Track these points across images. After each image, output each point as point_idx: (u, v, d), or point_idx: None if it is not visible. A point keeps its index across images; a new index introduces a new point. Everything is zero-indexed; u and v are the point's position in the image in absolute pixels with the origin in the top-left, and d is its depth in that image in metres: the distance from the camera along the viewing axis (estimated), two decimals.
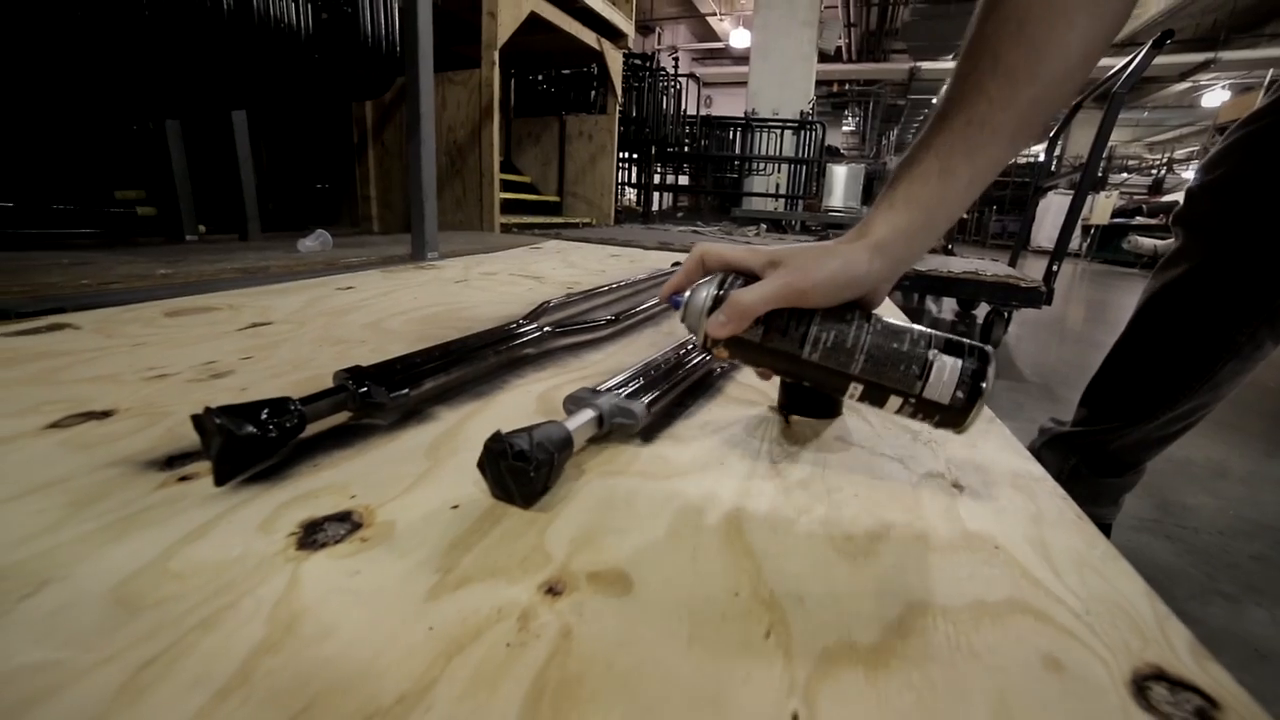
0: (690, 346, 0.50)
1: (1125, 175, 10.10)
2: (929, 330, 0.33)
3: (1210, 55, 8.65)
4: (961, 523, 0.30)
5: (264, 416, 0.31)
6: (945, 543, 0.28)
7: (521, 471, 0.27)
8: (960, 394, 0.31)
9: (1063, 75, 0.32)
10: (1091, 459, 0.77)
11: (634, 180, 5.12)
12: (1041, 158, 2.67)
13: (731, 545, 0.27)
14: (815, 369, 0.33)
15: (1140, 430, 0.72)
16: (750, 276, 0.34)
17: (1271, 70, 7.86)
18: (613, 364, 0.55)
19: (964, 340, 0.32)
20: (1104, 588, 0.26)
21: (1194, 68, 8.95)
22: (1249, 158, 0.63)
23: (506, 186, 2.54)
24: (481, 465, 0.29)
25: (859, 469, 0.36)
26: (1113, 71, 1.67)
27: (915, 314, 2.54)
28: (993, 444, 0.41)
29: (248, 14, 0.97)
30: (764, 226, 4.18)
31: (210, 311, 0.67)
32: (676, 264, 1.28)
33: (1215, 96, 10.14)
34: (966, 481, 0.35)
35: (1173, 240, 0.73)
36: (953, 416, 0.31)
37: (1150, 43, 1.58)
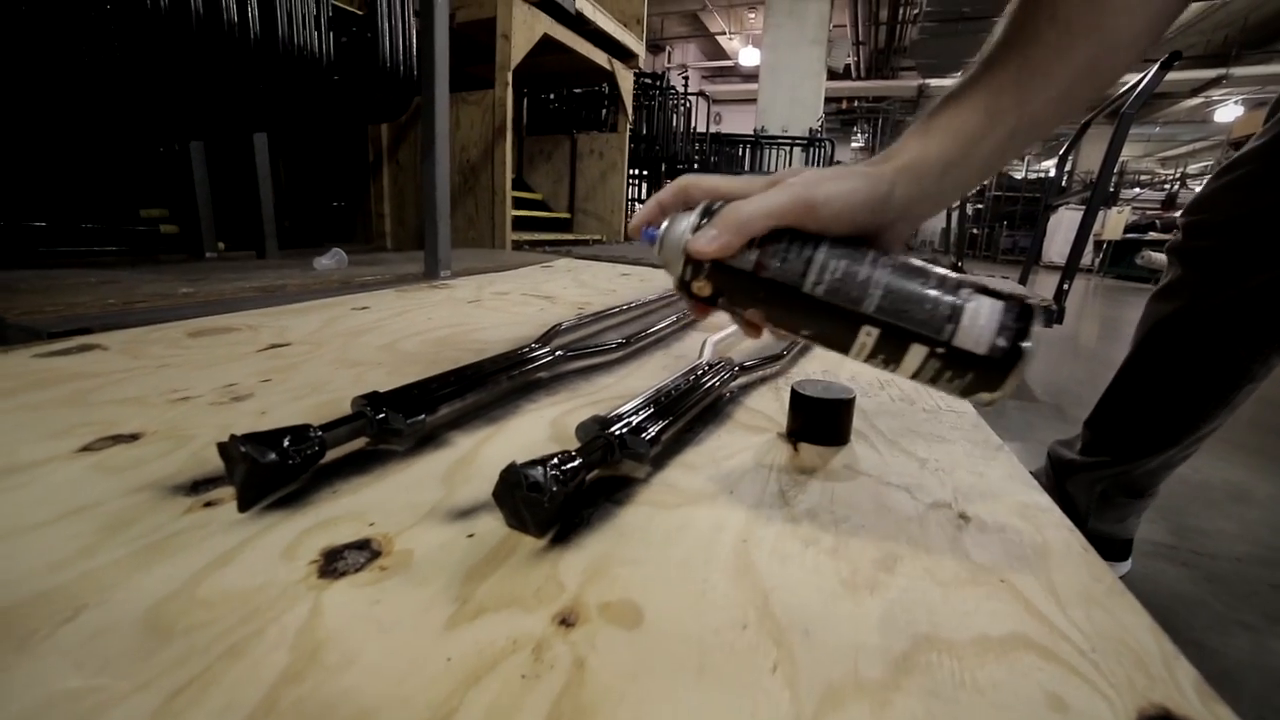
0: (701, 371, 0.51)
1: (1138, 190, 10.05)
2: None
3: (1222, 71, 8.64)
4: (967, 555, 0.31)
5: (286, 444, 0.32)
6: (951, 575, 0.29)
7: (536, 502, 0.28)
8: (1001, 342, 0.25)
9: (1128, 35, 0.29)
10: (1118, 484, 0.79)
11: (644, 197, 5.18)
12: (1052, 173, 2.68)
13: (740, 577, 0.27)
14: (818, 308, 0.27)
15: (1161, 456, 0.75)
16: None
17: None
18: (624, 388, 0.55)
19: (998, 289, 0.26)
20: (1110, 624, 0.26)
21: (1205, 84, 8.94)
22: (1248, 197, 0.65)
23: (518, 204, 2.58)
24: (497, 495, 0.29)
25: (866, 498, 0.36)
26: (1122, 90, 1.68)
27: None
28: (999, 472, 0.41)
29: (273, 42, 1.00)
30: None
31: (230, 332, 0.69)
32: None
33: (1228, 112, 10.10)
34: (973, 512, 0.35)
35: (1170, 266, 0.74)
36: (988, 375, 0.26)
37: (1159, 63, 1.58)
